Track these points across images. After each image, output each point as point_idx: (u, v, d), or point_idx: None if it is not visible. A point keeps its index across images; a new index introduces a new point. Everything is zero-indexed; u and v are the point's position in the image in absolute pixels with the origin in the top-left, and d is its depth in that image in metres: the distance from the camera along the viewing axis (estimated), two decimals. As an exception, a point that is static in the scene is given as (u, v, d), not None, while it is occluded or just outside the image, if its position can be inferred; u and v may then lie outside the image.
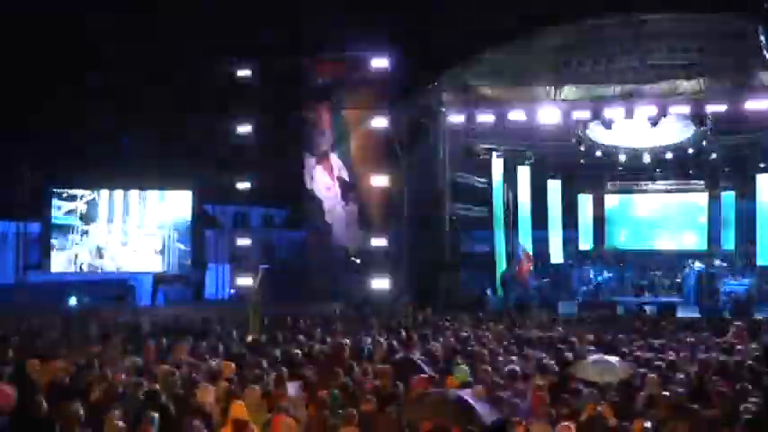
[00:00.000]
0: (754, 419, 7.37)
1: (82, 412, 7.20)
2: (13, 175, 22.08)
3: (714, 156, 22.67)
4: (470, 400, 7.42)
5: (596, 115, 20.12)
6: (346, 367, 9.91)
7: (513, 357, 10.91)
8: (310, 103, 23.24)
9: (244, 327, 14.29)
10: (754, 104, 18.67)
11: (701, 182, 24.51)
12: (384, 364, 10.13)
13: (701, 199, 24.84)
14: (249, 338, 12.91)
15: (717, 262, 22.88)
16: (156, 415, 6.95)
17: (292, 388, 8.68)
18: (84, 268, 23.21)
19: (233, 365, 9.59)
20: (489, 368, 9.99)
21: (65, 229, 23.01)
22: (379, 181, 21.83)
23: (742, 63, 18.72)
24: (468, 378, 9.61)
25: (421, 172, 21.76)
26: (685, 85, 19.34)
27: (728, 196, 24.24)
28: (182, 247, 23.86)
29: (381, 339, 12.74)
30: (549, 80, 20.44)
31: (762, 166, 22.75)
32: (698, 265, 22.60)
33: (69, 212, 23.14)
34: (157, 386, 8.32)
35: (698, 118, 19.87)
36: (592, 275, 23.70)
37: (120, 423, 7.00)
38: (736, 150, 22.40)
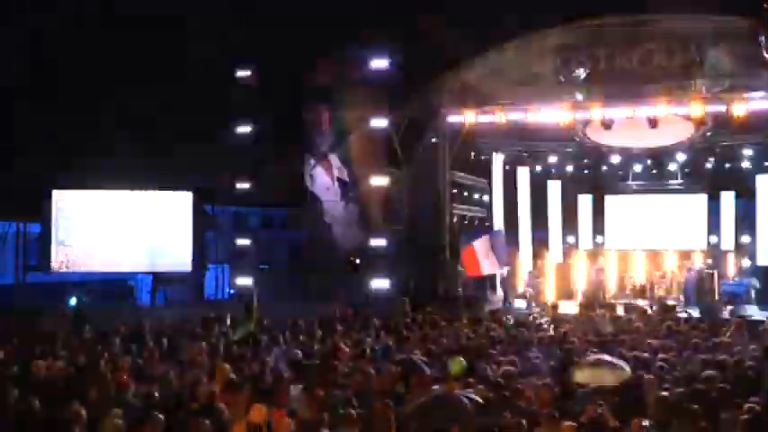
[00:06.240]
0: (754, 420, 7.37)
1: (83, 413, 7.22)
2: (13, 175, 22.06)
3: (714, 156, 22.67)
4: (469, 400, 7.43)
5: (596, 115, 20.12)
6: (346, 367, 9.92)
7: (514, 357, 10.91)
8: (310, 104, 23.24)
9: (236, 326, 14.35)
10: (754, 105, 18.67)
11: (701, 182, 24.53)
12: (384, 365, 10.14)
13: (701, 199, 24.86)
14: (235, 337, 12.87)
15: (716, 262, 22.89)
16: (162, 417, 6.95)
17: (292, 388, 8.68)
18: (83, 268, 23.18)
19: (228, 366, 9.57)
20: (489, 368, 10.01)
21: (64, 230, 22.96)
22: (379, 181, 21.85)
23: (742, 63, 18.73)
24: (464, 368, 9.68)
25: (421, 172, 21.77)
26: (685, 85, 19.35)
27: (728, 196, 24.26)
28: (181, 247, 23.83)
29: (381, 339, 12.78)
30: (548, 80, 20.43)
31: (762, 166, 22.77)
32: (698, 265, 22.61)
33: (68, 212, 23.10)
34: (157, 387, 8.34)
35: (697, 118, 19.87)
36: (592, 275, 23.70)
37: (120, 424, 7.00)
38: (735, 151, 22.40)
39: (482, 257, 20.67)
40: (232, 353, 11.35)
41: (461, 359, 10.15)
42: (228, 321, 15.15)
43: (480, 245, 20.69)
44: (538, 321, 16.79)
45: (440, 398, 7.61)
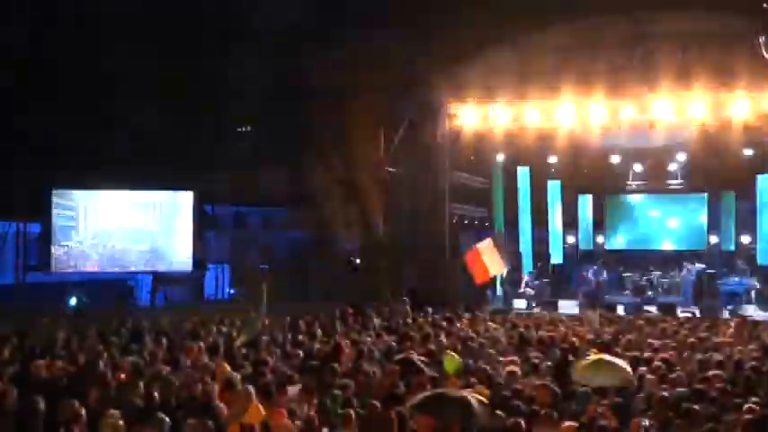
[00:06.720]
0: (755, 420, 7.37)
1: (83, 412, 7.22)
2: (13, 175, 22.07)
3: (714, 156, 22.65)
4: (470, 399, 7.41)
5: (596, 115, 20.12)
6: (346, 367, 9.92)
7: (514, 357, 10.91)
8: (310, 103, 23.23)
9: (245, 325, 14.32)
10: (754, 105, 18.67)
11: (701, 182, 24.52)
12: (384, 365, 10.15)
13: (701, 199, 24.85)
14: (238, 342, 12.82)
15: (716, 262, 22.90)
16: (167, 418, 6.95)
17: (291, 388, 8.68)
18: (83, 268, 23.18)
19: (227, 366, 9.57)
20: (489, 368, 10.01)
21: (64, 230, 22.97)
22: (380, 180, 21.87)
23: (742, 63, 18.72)
24: (459, 364, 9.70)
25: (421, 172, 21.77)
26: (685, 84, 19.33)
27: (728, 196, 24.25)
28: (181, 247, 23.82)
29: (382, 339, 12.78)
30: (549, 80, 20.43)
31: (762, 166, 22.77)
32: (698, 265, 22.62)
33: (68, 212, 23.10)
34: (157, 387, 8.34)
35: (698, 118, 19.86)
36: (592, 276, 23.68)
37: (120, 423, 7.00)
38: (735, 151, 22.37)
39: (488, 261, 20.56)
40: (232, 353, 11.35)
41: (454, 355, 10.18)
42: (238, 322, 15.12)
43: (485, 248, 20.61)
44: (538, 321, 16.76)
45: (440, 394, 7.60)
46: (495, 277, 23.01)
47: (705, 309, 19.71)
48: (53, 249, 22.86)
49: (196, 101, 23.72)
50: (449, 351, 10.56)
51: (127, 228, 23.40)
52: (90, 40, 22.88)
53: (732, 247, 24.00)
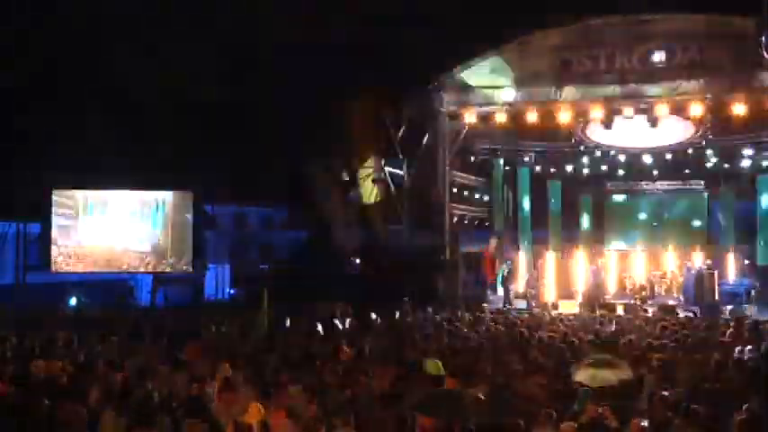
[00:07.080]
0: (753, 419, 7.37)
1: (83, 412, 7.21)
2: (13, 175, 22.08)
3: (714, 156, 22.66)
4: (469, 397, 7.41)
5: (596, 115, 20.12)
6: (346, 368, 9.92)
7: (514, 357, 10.91)
8: (310, 104, 23.26)
9: (248, 327, 14.35)
10: (753, 104, 18.67)
11: (701, 182, 24.51)
12: (385, 365, 10.14)
13: (701, 199, 24.84)
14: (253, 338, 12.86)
15: (716, 262, 22.88)
16: (167, 418, 6.94)
17: (291, 388, 8.67)
18: (83, 268, 23.18)
19: (227, 366, 9.57)
20: (489, 368, 10.01)
21: (64, 230, 22.98)
22: (380, 180, 21.85)
23: (742, 63, 18.73)
24: (440, 370, 9.71)
25: (421, 172, 21.78)
26: (685, 85, 19.35)
27: (728, 196, 24.25)
28: (181, 247, 23.84)
29: (382, 339, 12.79)
30: (549, 80, 20.44)
31: (762, 166, 22.77)
32: (698, 265, 22.61)
33: (68, 212, 23.11)
34: (157, 387, 8.33)
35: (698, 118, 19.87)
36: (592, 275, 23.68)
37: (118, 424, 7.00)
38: (735, 151, 22.39)
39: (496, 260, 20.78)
40: (232, 353, 11.34)
41: (437, 362, 10.18)
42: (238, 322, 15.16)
43: (493, 247, 20.78)
44: (538, 321, 16.77)
45: (439, 393, 7.60)
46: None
47: (705, 309, 19.70)
48: (53, 249, 22.86)
49: (197, 101, 23.73)
50: (430, 359, 10.58)
51: (127, 228, 23.40)
52: (90, 40, 22.88)
53: (732, 248, 23.99)
